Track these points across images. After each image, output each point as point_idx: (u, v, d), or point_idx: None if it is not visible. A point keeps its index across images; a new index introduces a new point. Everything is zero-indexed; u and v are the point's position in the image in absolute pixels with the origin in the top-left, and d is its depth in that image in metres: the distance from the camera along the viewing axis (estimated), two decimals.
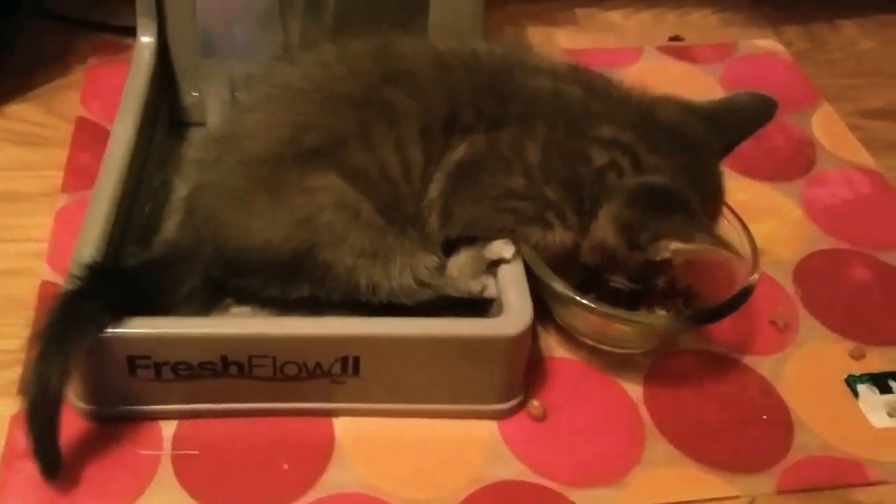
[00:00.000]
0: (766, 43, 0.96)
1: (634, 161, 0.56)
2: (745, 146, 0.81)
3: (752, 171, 0.80)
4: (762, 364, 0.65)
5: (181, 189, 0.62)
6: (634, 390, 0.62)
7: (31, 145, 0.74)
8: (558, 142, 0.56)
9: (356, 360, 0.54)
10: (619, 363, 0.63)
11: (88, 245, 0.54)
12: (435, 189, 0.57)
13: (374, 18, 0.72)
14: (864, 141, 0.84)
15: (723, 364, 0.64)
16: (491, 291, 0.58)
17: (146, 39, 0.68)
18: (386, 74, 0.57)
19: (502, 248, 0.58)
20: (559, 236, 0.58)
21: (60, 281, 0.61)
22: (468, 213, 0.57)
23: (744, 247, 0.63)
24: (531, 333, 0.56)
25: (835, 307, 0.69)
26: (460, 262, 0.59)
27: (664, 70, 0.92)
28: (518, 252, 0.58)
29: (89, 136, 0.74)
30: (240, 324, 0.52)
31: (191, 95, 0.72)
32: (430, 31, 0.72)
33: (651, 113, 0.59)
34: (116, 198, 0.58)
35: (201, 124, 0.72)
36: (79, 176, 0.70)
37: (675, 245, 0.54)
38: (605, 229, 0.56)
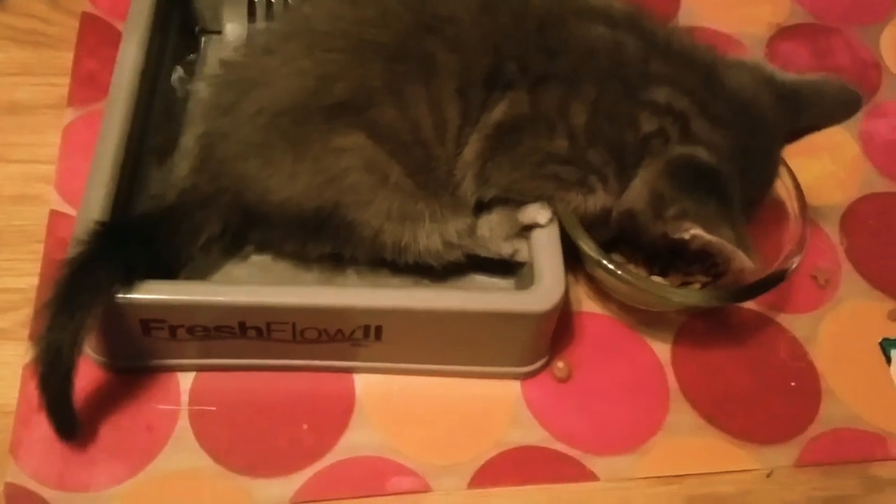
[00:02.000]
0: None
1: (684, 129, 0.51)
2: (805, 64, 0.77)
3: None
4: (797, 324, 0.62)
5: (195, 127, 0.57)
6: (663, 350, 0.60)
7: (34, 45, 0.68)
8: (607, 104, 0.51)
9: (378, 328, 0.52)
10: (649, 319, 0.61)
11: (94, 201, 0.51)
12: (471, 151, 0.52)
13: None
14: None
15: (756, 323, 0.62)
16: (522, 255, 0.55)
17: None
18: (422, 21, 0.51)
19: (538, 213, 0.54)
20: (600, 200, 0.54)
21: (69, 210, 0.60)
22: (506, 177, 0.53)
23: (792, 201, 0.59)
24: (562, 304, 0.53)
25: (880, 261, 0.66)
26: (492, 222, 0.56)
27: None
28: (554, 217, 0.54)
29: (96, 37, 0.68)
30: (258, 292, 0.50)
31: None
32: None
33: (718, 77, 0.53)
34: (122, 149, 0.53)
35: (216, 31, 0.66)
36: (86, 86, 0.66)
37: (696, 230, 0.51)
38: (636, 194, 0.53)
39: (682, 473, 0.56)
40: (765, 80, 0.55)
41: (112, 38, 0.68)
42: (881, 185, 0.70)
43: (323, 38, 0.52)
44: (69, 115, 0.65)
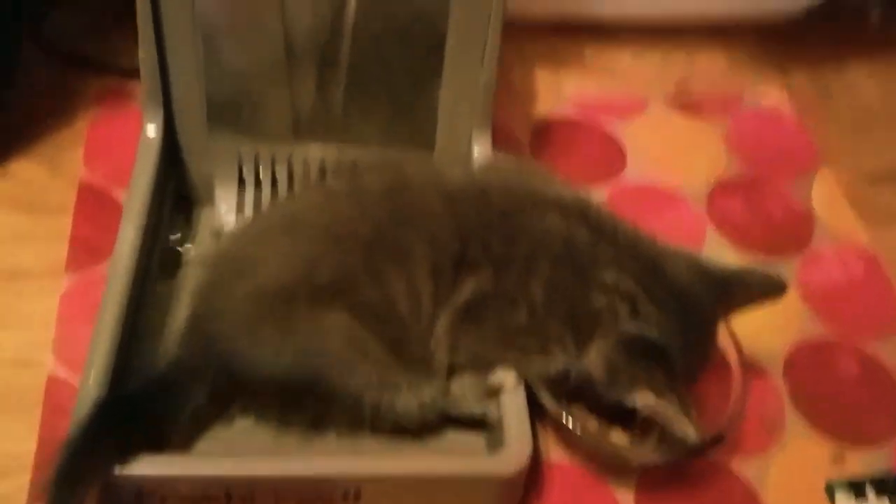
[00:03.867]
0: (771, 96, 0.95)
1: (633, 309, 0.58)
2: (741, 214, 0.84)
3: (747, 242, 0.81)
4: (748, 467, 0.66)
5: (187, 302, 0.62)
6: (626, 499, 0.64)
7: (33, 212, 0.73)
8: (561, 282, 0.58)
9: (357, 491, 0.56)
10: (611, 469, 0.65)
11: (93, 378, 0.55)
12: (442, 326, 0.58)
13: (386, 85, 0.72)
14: (862, 209, 0.85)
15: (711, 467, 0.66)
16: (492, 416, 0.60)
17: (152, 127, 0.67)
18: (396, 213, 0.58)
19: (505, 377, 0.60)
20: (560, 364, 0.60)
21: (66, 375, 0.63)
22: (475, 348, 0.59)
23: (734, 357, 0.65)
24: (528, 465, 0.58)
25: (821, 404, 0.71)
26: (463, 384, 0.61)
27: (669, 124, 0.91)
28: (520, 380, 0.60)
29: (93, 205, 0.73)
30: (242, 465, 0.54)
31: (198, 175, 0.71)
32: (441, 102, 0.71)
33: (659, 265, 0.60)
34: (119, 329, 0.58)
35: (208, 203, 0.72)
36: (83, 251, 0.70)
37: (645, 397, 0.57)
38: (593, 361, 0.59)
39: None
40: (698, 271, 0.62)
41: (109, 205, 0.73)
42: (819, 329, 0.75)
43: (309, 230, 0.59)
44: (66, 280, 0.69)
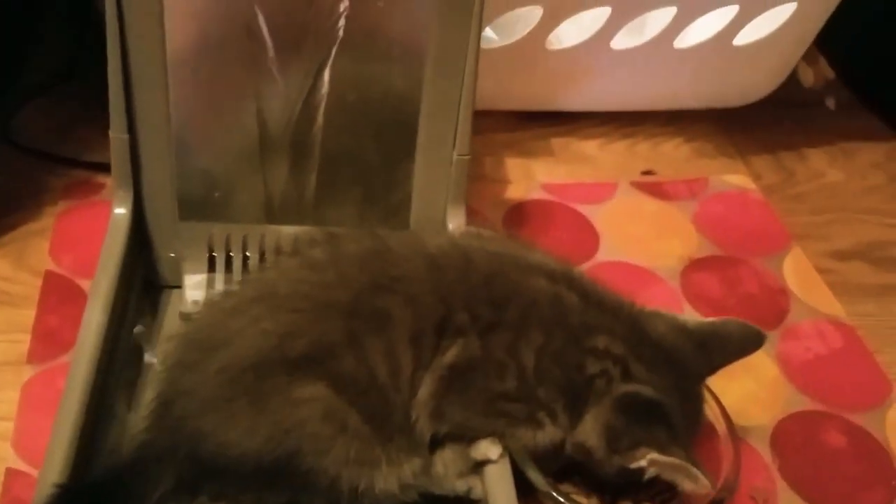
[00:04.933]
0: (736, 179, 0.97)
1: (625, 371, 0.57)
2: (716, 290, 0.84)
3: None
4: None
5: (155, 385, 0.59)
6: None
7: None
8: (554, 349, 0.57)
9: None
10: None
11: (56, 463, 0.52)
12: (425, 391, 0.56)
13: (360, 168, 0.73)
14: (835, 286, 0.85)
15: None
16: (476, 492, 0.57)
17: (121, 211, 0.66)
18: (377, 282, 0.57)
19: (489, 449, 0.57)
20: (549, 435, 0.58)
21: (25, 468, 0.60)
22: (459, 414, 0.57)
23: (722, 428, 0.63)
24: None
25: (813, 479, 0.69)
26: (446, 458, 0.58)
27: (639, 206, 0.92)
28: (504, 452, 0.57)
29: (58, 295, 0.72)
30: None
31: (167, 258, 0.70)
32: (416, 183, 0.72)
33: (642, 327, 0.60)
34: (82, 416, 0.55)
35: (176, 286, 0.70)
36: (45, 343, 0.68)
37: (651, 455, 0.55)
38: (589, 431, 0.57)
39: None
40: (678, 328, 0.61)
41: (74, 295, 0.71)
42: (803, 403, 0.74)
43: (286, 301, 0.57)
44: (28, 371, 0.66)
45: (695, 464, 0.55)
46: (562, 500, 0.57)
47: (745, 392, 0.75)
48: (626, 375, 0.57)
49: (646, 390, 0.57)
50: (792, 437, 0.72)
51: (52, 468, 0.52)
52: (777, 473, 0.69)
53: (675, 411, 0.57)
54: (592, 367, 0.57)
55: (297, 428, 0.53)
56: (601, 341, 0.57)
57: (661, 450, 0.54)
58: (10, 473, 0.60)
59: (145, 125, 0.65)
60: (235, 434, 0.54)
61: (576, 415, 0.57)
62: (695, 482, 0.54)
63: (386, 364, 0.55)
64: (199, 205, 0.69)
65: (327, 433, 0.54)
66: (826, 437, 0.73)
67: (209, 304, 0.62)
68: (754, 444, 0.71)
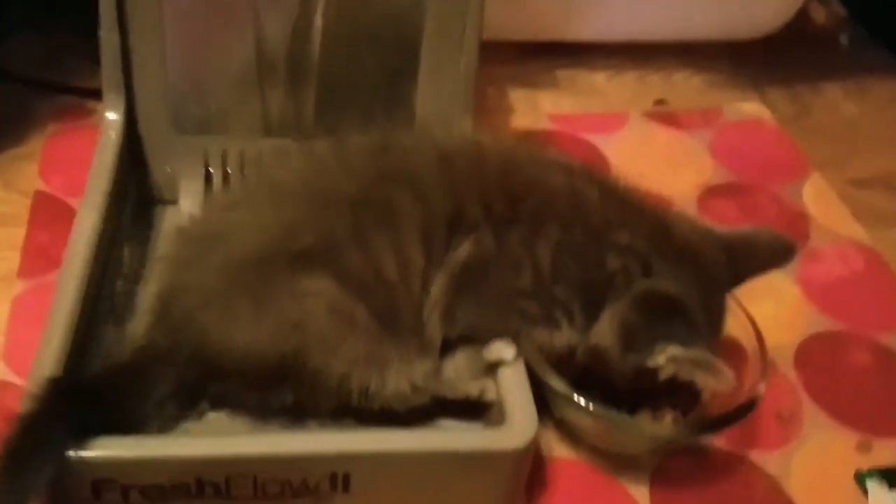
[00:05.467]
0: (751, 108, 0.94)
1: (646, 267, 0.54)
2: (734, 216, 0.81)
3: None
4: (769, 460, 0.61)
5: (154, 285, 0.56)
6: (640, 493, 0.58)
7: None
8: (572, 244, 0.53)
9: (346, 476, 0.49)
10: (623, 464, 0.59)
11: (48, 357, 0.49)
12: (437, 290, 0.53)
13: (360, 84, 0.70)
14: (856, 212, 0.83)
15: (729, 462, 0.61)
16: (490, 395, 0.54)
17: (113, 116, 0.63)
18: (384, 173, 0.54)
19: (503, 350, 0.54)
20: (566, 336, 0.54)
21: (16, 380, 0.57)
22: (473, 313, 0.53)
23: (750, 339, 0.60)
24: (537, 440, 0.52)
25: (838, 395, 0.66)
26: (457, 363, 0.55)
27: (652, 136, 0.89)
28: (519, 353, 0.54)
29: (48, 213, 0.69)
30: (216, 443, 0.48)
31: (161, 173, 0.67)
32: (419, 98, 0.68)
33: (667, 226, 0.56)
34: (78, 306, 0.52)
35: (173, 202, 0.67)
36: (37, 258, 0.65)
37: (670, 350, 0.51)
38: (605, 330, 0.54)
39: None
40: (705, 232, 0.58)
41: (64, 214, 0.68)
42: (826, 323, 0.72)
43: (289, 194, 0.53)
44: (19, 286, 0.63)
45: (716, 360, 0.51)
46: (584, 403, 0.54)
47: (767, 314, 0.70)
48: (648, 271, 0.53)
49: (666, 286, 0.53)
50: (816, 357, 0.69)
51: (46, 361, 0.49)
52: (802, 391, 0.66)
53: (696, 310, 0.53)
54: (613, 263, 0.53)
55: (302, 322, 0.50)
56: (623, 236, 0.54)
57: (682, 343, 0.51)
58: (1, 385, 0.57)
59: (137, 26, 0.62)
60: (238, 330, 0.51)
61: (593, 315, 0.54)
62: (717, 378, 0.51)
63: (394, 259, 0.52)
64: (195, 118, 0.66)
65: (334, 328, 0.50)
66: (851, 356, 0.70)
67: (209, 201, 0.59)
68: (778, 364, 0.68)
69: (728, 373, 0.51)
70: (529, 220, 0.53)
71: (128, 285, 0.61)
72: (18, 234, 0.67)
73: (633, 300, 0.53)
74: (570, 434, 0.60)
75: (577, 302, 0.54)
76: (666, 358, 0.51)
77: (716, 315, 0.57)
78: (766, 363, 0.58)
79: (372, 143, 0.56)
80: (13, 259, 0.65)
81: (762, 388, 0.56)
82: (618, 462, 0.59)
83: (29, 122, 0.77)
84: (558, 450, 0.60)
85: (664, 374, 0.52)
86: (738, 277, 0.59)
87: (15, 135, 0.76)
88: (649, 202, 0.58)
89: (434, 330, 0.54)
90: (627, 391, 0.56)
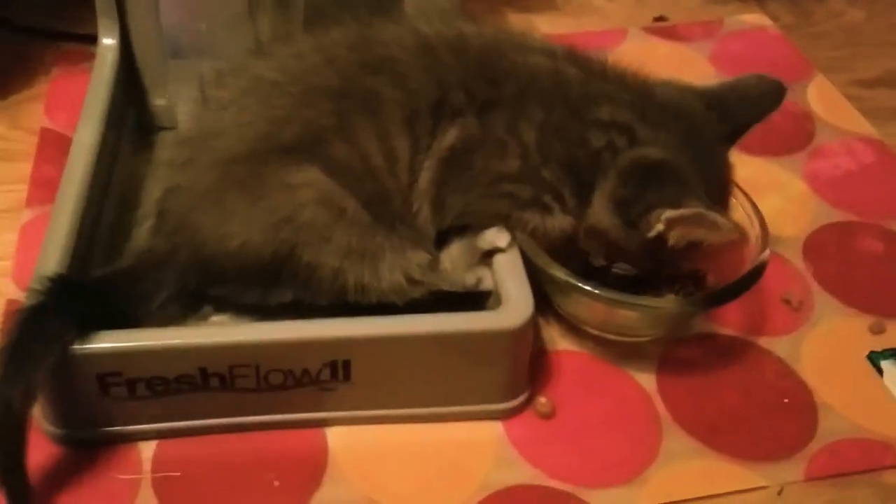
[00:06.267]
0: (752, 18, 0.93)
1: (631, 138, 0.53)
2: None
3: (750, 147, 0.76)
4: (778, 345, 0.61)
5: (154, 192, 0.57)
6: (647, 380, 0.58)
7: None
8: (556, 123, 0.53)
9: (346, 363, 0.50)
10: (628, 353, 0.59)
11: (51, 257, 0.50)
12: (425, 178, 0.53)
13: (347, 9, 0.70)
14: (862, 110, 0.82)
15: (737, 347, 0.61)
16: (487, 283, 0.54)
17: (108, 41, 0.64)
18: (365, 62, 0.54)
19: (496, 237, 0.54)
20: (558, 221, 0.54)
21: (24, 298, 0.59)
22: (461, 200, 0.53)
23: (753, 225, 0.60)
24: (533, 325, 0.52)
25: (849, 281, 0.66)
26: (453, 255, 0.55)
27: (652, 50, 0.88)
28: (513, 240, 0.54)
29: (54, 148, 0.70)
30: (217, 332, 0.49)
31: (159, 99, 0.68)
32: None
33: (649, 92, 0.56)
34: (80, 208, 0.53)
35: (171, 128, 0.68)
36: (43, 189, 0.66)
37: (666, 214, 0.50)
38: (599, 210, 0.53)
39: (687, 498, 0.53)
40: (690, 91, 0.58)
41: (69, 149, 0.69)
42: (834, 215, 0.71)
43: (273, 87, 0.54)
44: (27, 214, 0.65)
45: (713, 209, 0.50)
46: (587, 287, 0.53)
47: (773, 208, 0.70)
48: (633, 142, 0.53)
49: (650, 151, 0.52)
50: (825, 246, 0.69)
51: (49, 259, 0.50)
52: (812, 280, 0.66)
53: (685, 167, 0.53)
54: (597, 141, 0.53)
55: (293, 216, 0.51)
56: (604, 112, 0.53)
57: (673, 205, 0.50)
58: (11, 304, 0.58)
59: None
60: (232, 226, 0.51)
61: (585, 198, 0.54)
62: (716, 229, 0.50)
63: (380, 148, 0.52)
64: (188, 42, 0.67)
65: (324, 219, 0.51)
66: (861, 243, 0.69)
67: (205, 102, 0.59)
68: (787, 255, 0.67)
69: (727, 222, 0.50)
70: (512, 103, 0.53)
71: (127, 209, 0.62)
72: (26, 168, 0.69)
73: (619, 174, 0.52)
74: (572, 328, 0.60)
75: (568, 185, 0.54)
76: (664, 222, 0.50)
77: (715, 169, 0.56)
78: (766, 233, 0.58)
79: (353, 35, 0.56)
80: (21, 191, 0.67)
81: (766, 257, 0.56)
82: (623, 352, 0.59)
83: (34, 68, 0.78)
84: (562, 343, 0.60)
85: (671, 241, 0.51)
86: (735, 128, 0.58)
87: (21, 80, 0.77)
88: (633, 72, 0.57)
89: (426, 220, 0.54)
90: (627, 283, 0.56)
